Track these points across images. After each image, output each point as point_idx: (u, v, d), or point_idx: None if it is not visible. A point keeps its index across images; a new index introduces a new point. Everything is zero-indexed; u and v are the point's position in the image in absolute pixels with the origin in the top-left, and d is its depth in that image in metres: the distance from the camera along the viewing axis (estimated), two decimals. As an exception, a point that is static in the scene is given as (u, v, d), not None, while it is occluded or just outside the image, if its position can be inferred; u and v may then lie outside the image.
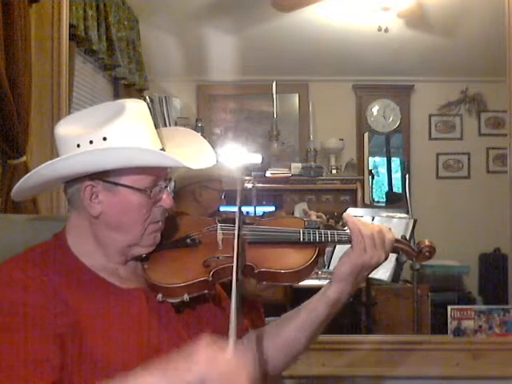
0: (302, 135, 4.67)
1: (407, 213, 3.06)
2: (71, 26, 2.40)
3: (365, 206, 4.28)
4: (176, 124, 4.09)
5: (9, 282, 1.07)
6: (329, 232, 1.25)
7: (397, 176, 4.64)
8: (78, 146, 1.11)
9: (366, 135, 4.58)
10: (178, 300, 1.15)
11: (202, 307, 1.22)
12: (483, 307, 2.47)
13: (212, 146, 1.28)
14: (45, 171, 1.12)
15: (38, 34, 2.10)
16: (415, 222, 2.38)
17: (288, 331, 1.27)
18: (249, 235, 1.23)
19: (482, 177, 4.69)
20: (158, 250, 1.21)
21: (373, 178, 4.43)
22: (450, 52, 4.15)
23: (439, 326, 2.88)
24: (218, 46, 3.94)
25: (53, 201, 2.11)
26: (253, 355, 1.01)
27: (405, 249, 1.30)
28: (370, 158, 4.54)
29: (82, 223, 1.16)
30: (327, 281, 1.27)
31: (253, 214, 3.28)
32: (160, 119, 4.10)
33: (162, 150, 1.18)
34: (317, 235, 1.24)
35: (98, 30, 2.93)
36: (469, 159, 4.74)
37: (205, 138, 1.32)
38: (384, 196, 4.60)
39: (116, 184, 1.13)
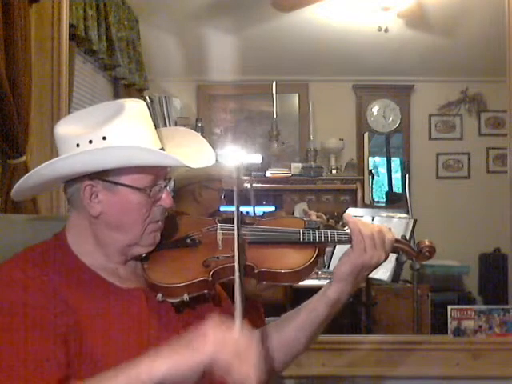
0: (302, 135, 4.67)
1: (407, 213, 3.06)
2: (71, 25, 2.40)
3: (365, 206, 4.28)
4: (176, 124, 4.09)
5: (9, 282, 1.07)
6: (329, 232, 1.25)
7: (397, 176, 4.63)
8: (78, 145, 1.11)
9: (366, 135, 4.58)
10: (178, 300, 1.15)
11: (202, 307, 1.22)
12: (483, 307, 2.47)
13: (212, 146, 1.28)
14: (44, 171, 1.12)
15: (38, 33, 2.09)
16: (415, 222, 2.37)
17: (288, 331, 1.28)
18: (249, 235, 1.23)
19: (482, 177, 4.68)
20: (157, 250, 1.21)
21: (373, 177, 4.43)
22: (449, 52, 4.15)
23: (439, 326, 2.88)
24: (217, 45, 3.94)
25: (53, 201, 2.11)
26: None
27: (405, 249, 1.30)
28: (370, 158, 4.54)
29: (82, 223, 1.16)
30: (327, 281, 1.27)
31: (252, 214, 3.28)
32: (160, 119, 4.09)
33: (162, 149, 1.18)
34: (317, 235, 1.24)
35: (98, 30, 2.93)
36: (469, 159, 4.74)
37: (205, 137, 1.32)
38: (384, 196, 4.60)
39: (116, 183, 1.13)
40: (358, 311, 3.41)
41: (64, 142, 1.14)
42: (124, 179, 1.13)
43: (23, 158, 1.95)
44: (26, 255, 1.14)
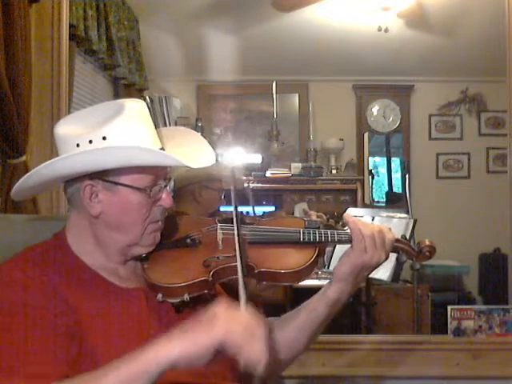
0: (302, 135, 4.67)
1: (407, 213, 3.06)
2: (71, 25, 2.40)
3: (365, 206, 4.28)
4: (176, 124, 4.08)
5: (9, 282, 1.07)
6: (329, 232, 1.25)
7: (397, 176, 4.63)
8: (78, 145, 1.11)
9: (366, 135, 4.58)
10: (178, 300, 1.15)
11: (202, 307, 1.22)
12: (483, 307, 2.47)
13: (212, 146, 1.28)
14: (44, 171, 1.12)
15: (38, 33, 2.09)
16: (415, 221, 2.37)
17: (288, 331, 1.28)
18: (249, 235, 1.23)
19: (482, 177, 4.68)
20: (157, 250, 1.21)
21: (373, 178, 4.43)
22: (450, 52, 4.15)
23: (439, 326, 2.88)
24: (217, 45, 3.94)
25: (53, 201, 2.11)
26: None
27: (405, 249, 1.30)
28: (370, 158, 4.54)
29: (82, 223, 1.16)
30: (327, 281, 1.27)
31: (252, 214, 3.28)
32: (160, 119, 4.09)
33: (162, 149, 1.18)
34: (317, 235, 1.24)
35: (98, 30, 2.93)
36: (469, 159, 4.74)
37: (205, 137, 1.32)
38: (384, 196, 4.59)
39: (116, 183, 1.13)
40: (357, 311, 3.41)
41: (64, 142, 1.14)
42: (124, 179, 1.13)
43: (23, 158, 1.95)
44: (25, 255, 1.14)
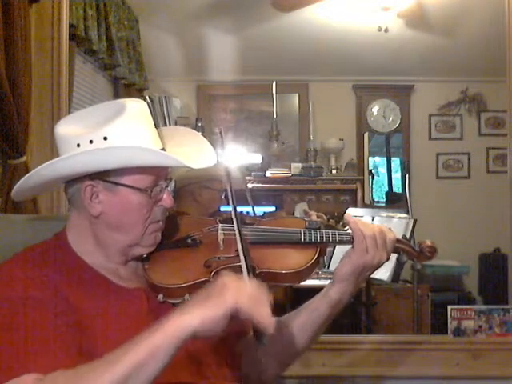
0: (302, 135, 4.66)
1: (407, 213, 3.06)
2: (71, 25, 2.40)
3: (365, 206, 4.28)
4: (176, 124, 4.08)
5: (9, 281, 1.07)
6: (330, 232, 1.25)
7: (397, 176, 4.63)
8: (78, 145, 1.11)
9: (366, 135, 4.58)
10: (179, 301, 1.15)
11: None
12: (483, 307, 2.46)
13: (212, 146, 1.28)
14: (45, 171, 1.12)
15: (38, 34, 2.09)
16: (415, 222, 2.37)
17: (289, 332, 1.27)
18: (250, 235, 1.23)
19: (482, 177, 4.68)
20: (158, 250, 1.21)
21: (373, 178, 4.43)
22: (450, 52, 4.15)
23: (439, 326, 2.88)
24: (217, 45, 3.94)
25: (53, 201, 2.10)
26: None
27: (406, 249, 1.30)
28: (370, 158, 4.54)
29: (83, 223, 1.16)
30: (327, 281, 1.27)
31: (252, 214, 3.28)
32: (160, 119, 4.09)
33: (163, 149, 1.17)
34: (318, 235, 1.23)
35: (98, 30, 2.93)
36: (469, 159, 4.74)
37: (205, 137, 1.32)
38: (384, 196, 4.60)
39: (116, 184, 1.12)
40: (357, 311, 3.41)
41: (64, 142, 1.13)
42: (125, 179, 1.12)
43: (23, 159, 1.95)
44: (26, 255, 1.14)
